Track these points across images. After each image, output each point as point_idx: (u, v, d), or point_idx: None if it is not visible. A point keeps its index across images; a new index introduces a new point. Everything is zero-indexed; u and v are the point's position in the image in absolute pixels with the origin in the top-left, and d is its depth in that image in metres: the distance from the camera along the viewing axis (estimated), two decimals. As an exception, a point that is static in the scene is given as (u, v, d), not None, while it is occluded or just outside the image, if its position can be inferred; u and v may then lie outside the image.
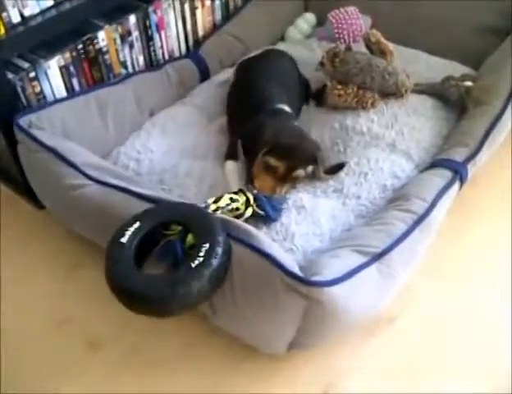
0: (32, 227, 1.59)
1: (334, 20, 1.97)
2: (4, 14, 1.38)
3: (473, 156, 1.44)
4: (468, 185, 1.43)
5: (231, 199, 1.25)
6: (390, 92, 1.63)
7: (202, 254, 1.02)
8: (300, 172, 1.39)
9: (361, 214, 1.36)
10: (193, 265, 1.01)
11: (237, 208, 1.26)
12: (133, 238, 1.08)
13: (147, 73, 1.74)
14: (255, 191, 1.32)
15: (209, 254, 1.02)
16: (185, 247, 1.10)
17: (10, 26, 1.41)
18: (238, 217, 1.25)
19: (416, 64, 1.79)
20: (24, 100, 1.50)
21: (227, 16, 2.03)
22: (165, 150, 1.55)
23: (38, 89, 1.52)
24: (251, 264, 1.07)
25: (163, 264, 1.13)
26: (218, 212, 1.22)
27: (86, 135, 1.51)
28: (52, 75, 1.54)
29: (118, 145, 1.57)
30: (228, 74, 1.82)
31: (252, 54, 1.81)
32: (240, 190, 1.29)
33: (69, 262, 1.49)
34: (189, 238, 1.10)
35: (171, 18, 1.82)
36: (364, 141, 1.53)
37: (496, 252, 1.49)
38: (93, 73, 1.66)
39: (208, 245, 1.04)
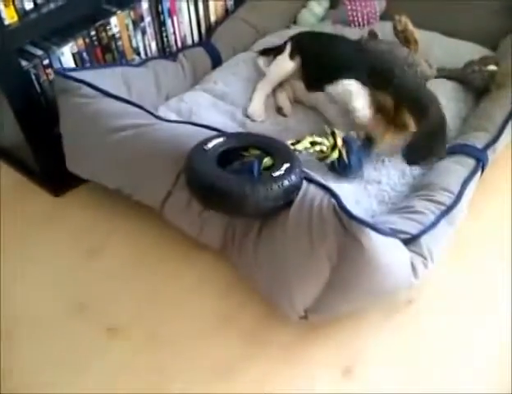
0: (49, 215, 1.59)
1: (348, 2, 1.95)
2: (17, 1, 1.36)
3: (493, 142, 1.44)
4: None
5: (312, 143, 1.31)
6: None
7: (283, 168, 1.12)
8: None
9: (383, 200, 1.35)
10: (274, 175, 1.11)
11: (321, 151, 1.33)
12: (216, 148, 1.17)
13: (163, 60, 1.72)
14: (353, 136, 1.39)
15: (290, 170, 1.12)
16: (261, 168, 1.17)
17: (23, 13, 1.39)
18: (322, 159, 1.35)
19: (433, 46, 1.77)
20: (38, 88, 1.48)
21: (239, 1, 2.00)
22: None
23: (52, 77, 1.50)
24: (307, 193, 1.13)
25: None
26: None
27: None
28: (66, 61, 1.52)
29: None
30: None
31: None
32: (332, 133, 1.35)
33: (86, 248, 1.49)
34: (266, 160, 1.18)
35: (184, 4, 1.80)
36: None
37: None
38: (106, 59, 1.64)
39: (289, 164, 1.13)
